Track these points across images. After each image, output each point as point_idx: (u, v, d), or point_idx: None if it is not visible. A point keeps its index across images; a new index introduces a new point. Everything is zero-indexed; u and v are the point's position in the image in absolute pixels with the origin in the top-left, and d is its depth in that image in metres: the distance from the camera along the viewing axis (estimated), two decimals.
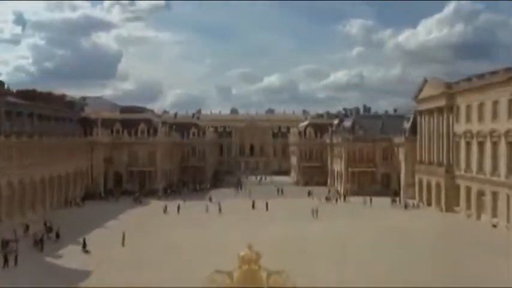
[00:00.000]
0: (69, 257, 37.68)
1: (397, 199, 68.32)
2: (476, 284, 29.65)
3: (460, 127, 58.07)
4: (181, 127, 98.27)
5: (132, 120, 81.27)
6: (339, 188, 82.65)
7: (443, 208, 59.50)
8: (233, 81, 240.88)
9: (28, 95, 66.33)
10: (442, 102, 60.96)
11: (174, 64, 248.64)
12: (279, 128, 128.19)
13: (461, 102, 57.84)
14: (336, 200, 70.24)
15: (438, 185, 61.69)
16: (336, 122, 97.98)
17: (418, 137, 69.53)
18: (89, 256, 38.22)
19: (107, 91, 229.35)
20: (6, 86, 54.24)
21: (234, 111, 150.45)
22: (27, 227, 45.62)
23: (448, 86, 60.02)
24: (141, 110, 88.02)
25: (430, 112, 65.46)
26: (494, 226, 48.43)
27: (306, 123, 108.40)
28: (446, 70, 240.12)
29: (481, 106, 53.19)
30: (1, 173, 47.89)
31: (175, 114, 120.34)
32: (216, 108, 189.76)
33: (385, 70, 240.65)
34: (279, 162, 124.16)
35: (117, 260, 36.86)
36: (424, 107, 67.27)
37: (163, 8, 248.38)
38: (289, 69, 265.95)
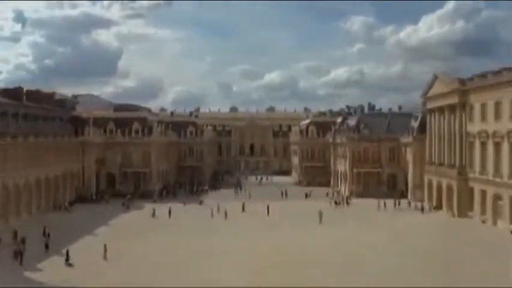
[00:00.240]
0: (50, 270, 34.58)
1: (399, 201, 64.15)
2: None
3: (474, 126, 54.37)
4: (178, 126, 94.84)
5: (126, 119, 77.45)
6: (342, 190, 79.06)
7: (456, 213, 55.85)
8: (234, 78, 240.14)
9: (15, 94, 62.52)
10: (454, 100, 57.24)
11: (174, 61, 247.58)
12: (280, 126, 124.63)
13: (476, 100, 54.11)
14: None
15: (450, 188, 58.01)
16: (339, 120, 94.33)
17: (428, 136, 65.88)
18: (71, 270, 34.94)
19: (108, 88, 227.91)
20: None
21: (233, 109, 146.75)
22: (15, 234, 42.56)
23: (461, 82, 56.28)
24: (136, 108, 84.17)
25: (440, 110, 61.74)
26: None
27: (307, 121, 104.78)
28: (447, 67, 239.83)
29: (497, 105, 49.50)
30: None
31: (172, 113, 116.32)
32: (217, 105, 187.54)
33: (385, 67, 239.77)
34: (279, 162, 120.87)
35: (99, 275, 33.36)
36: (434, 104, 63.53)
37: (164, 5, 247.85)
38: (289, 66, 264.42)
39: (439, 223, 53.74)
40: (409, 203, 64.25)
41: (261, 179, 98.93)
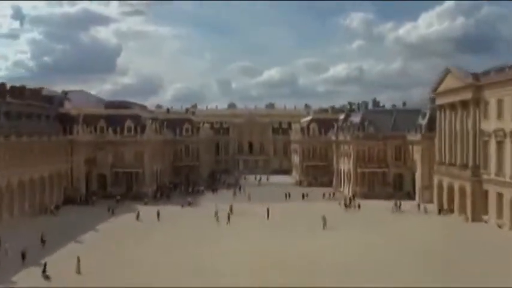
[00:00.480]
0: (25, 283, 31.49)
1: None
2: None
3: (489, 124, 50.54)
4: (174, 123, 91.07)
5: (117, 117, 73.13)
6: (346, 190, 75.25)
7: (470, 217, 52.05)
8: (233, 75, 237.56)
9: None
10: (467, 96, 53.38)
11: (174, 58, 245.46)
12: (280, 123, 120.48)
13: (491, 96, 50.29)
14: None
15: (462, 190, 54.20)
16: (341, 117, 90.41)
17: (437, 134, 62.05)
18: (48, 283, 31.73)
19: (107, 86, 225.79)
20: None
21: (231, 105, 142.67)
22: None
23: (475, 77, 52.38)
24: (129, 105, 79.98)
25: (452, 106, 57.87)
26: None
27: (308, 118, 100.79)
28: (447, 64, 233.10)
29: None
30: None
31: (168, 110, 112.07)
32: (217, 103, 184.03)
33: (385, 64, 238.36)
34: (279, 161, 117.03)
35: None
36: (444, 100, 59.63)
37: (163, 2, 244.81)
38: (289, 63, 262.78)
39: (454, 228, 50.01)
40: (419, 205, 60.33)
41: (260, 179, 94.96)
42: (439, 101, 61.38)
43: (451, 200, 57.30)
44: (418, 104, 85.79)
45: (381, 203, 62.44)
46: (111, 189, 70.49)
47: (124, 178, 71.59)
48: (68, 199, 65.05)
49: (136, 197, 68.16)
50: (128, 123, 72.85)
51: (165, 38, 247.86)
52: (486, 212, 50.56)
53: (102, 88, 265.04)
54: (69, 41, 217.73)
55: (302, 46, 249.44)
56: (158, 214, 53.42)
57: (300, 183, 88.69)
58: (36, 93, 67.26)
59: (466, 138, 54.61)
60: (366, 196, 69.62)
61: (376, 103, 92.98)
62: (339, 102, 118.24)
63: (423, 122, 68.07)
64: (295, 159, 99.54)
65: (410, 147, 70.75)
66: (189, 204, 63.31)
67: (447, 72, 58.42)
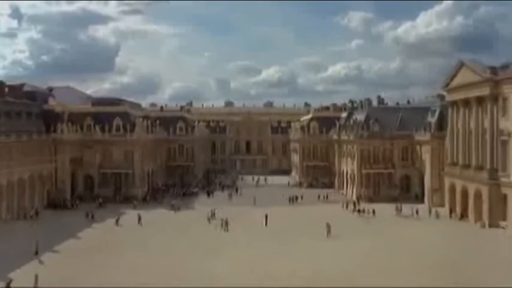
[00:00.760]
0: None
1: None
2: None
3: (508, 123, 46.13)
4: (167, 122, 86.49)
5: (105, 114, 68.26)
6: (349, 193, 70.80)
7: (486, 223, 47.69)
8: (232, 74, 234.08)
9: None
10: (484, 92, 48.94)
11: (172, 57, 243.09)
12: (279, 122, 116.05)
13: (511, 91, 45.86)
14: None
15: (478, 194, 49.78)
16: (343, 115, 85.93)
17: (449, 133, 57.63)
18: None
19: (105, 84, 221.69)
20: None
21: (228, 103, 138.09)
22: None
23: (493, 71, 47.96)
24: (118, 102, 75.50)
25: (466, 103, 53.42)
26: None
27: (309, 116, 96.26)
28: (446, 63, 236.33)
29: None
30: None
31: (162, 107, 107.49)
32: (215, 101, 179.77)
33: (384, 63, 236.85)
34: (278, 161, 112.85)
35: None
36: (457, 96, 55.18)
37: (162, 1, 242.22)
38: (288, 62, 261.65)
39: (472, 235, 45.75)
40: (430, 210, 55.85)
41: (258, 180, 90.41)
42: (451, 97, 56.92)
43: (464, 204, 52.89)
44: (423, 102, 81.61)
45: (387, 207, 57.96)
46: (98, 191, 65.86)
47: (112, 179, 67.03)
48: (51, 202, 60.69)
49: (126, 199, 63.88)
50: (117, 121, 68.16)
51: (164, 37, 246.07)
52: (504, 218, 46.22)
53: (101, 87, 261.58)
54: (68, 40, 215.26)
55: (301, 45, 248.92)
56: (139, 219, 49.19)
57: (299, 185, 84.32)
58: (16, 89, 62.64)
59: (482, 137, 50.19)
60: (370, 199, 65.32)
61: (381, 100, 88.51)
62: (338, 101, 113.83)
63: (432, 120, 63.63)
64: (295, 159, 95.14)
65: (418, 147, 66.27)
66: (172, 207, 58.69)
67: (460, 66, 53.98)
